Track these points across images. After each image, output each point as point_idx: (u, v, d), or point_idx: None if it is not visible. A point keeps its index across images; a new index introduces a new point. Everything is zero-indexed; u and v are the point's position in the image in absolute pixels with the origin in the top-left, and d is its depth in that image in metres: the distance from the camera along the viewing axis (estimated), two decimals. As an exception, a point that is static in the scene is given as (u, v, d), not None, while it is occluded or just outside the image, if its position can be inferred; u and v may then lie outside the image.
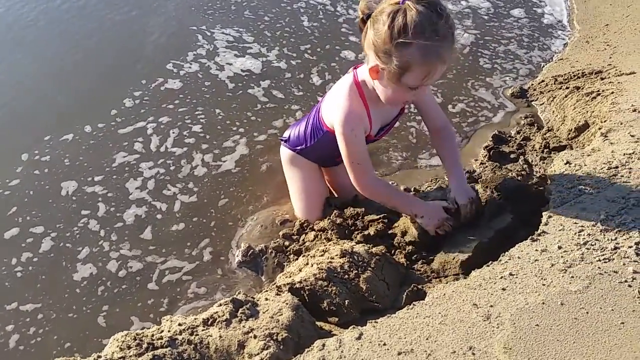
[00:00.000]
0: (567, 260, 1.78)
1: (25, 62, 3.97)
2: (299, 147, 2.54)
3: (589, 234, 1.89)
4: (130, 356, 1.59)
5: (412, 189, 2.76)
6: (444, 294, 1.75)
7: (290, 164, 2.61)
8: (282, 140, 2.63)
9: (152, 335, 1.67)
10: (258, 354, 1.61)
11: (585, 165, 2.35)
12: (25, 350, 2.19)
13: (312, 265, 2.08)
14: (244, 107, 3.53)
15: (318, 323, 1.92)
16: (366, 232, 2.37)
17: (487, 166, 2.94)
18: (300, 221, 2.57)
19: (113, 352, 1.62)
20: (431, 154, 3.15)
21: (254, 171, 3.06)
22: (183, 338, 1.66)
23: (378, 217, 2.46)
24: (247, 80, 3.79)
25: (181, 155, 3.17)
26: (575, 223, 1.97)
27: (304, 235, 2.49)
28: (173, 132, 3.33)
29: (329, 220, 2.45)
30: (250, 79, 3.81)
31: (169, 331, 1.69)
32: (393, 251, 2.33)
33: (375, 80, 2.11)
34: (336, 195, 2.74)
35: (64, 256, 2.59)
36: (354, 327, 1.69)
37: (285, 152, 2.62)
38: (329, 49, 4.12)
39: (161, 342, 1.63)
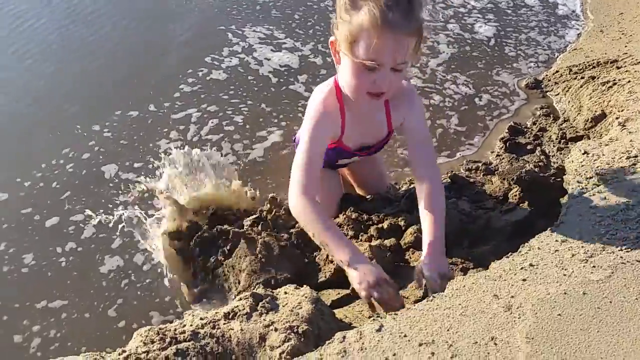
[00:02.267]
0: (587, 250, 1.77)
1: (92, 53, 4.28)
2: None
3: (609, 224, 1.88)
4: (154, 350, 1.61)
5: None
6: (464, 286, 1.75)
7: None
8: (293, 140, 2.63)
9: (175, 330, 1.68)
10: (279, 346, 1.61)
11: (603, 155, 2.32)
12: (51, 349, 2.22)
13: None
14: (290, 101, 3.67)
15: (337, 314, 1.93)
16: (380, 226, 2.37)
17: (503, 158, 2.93)
18: None
19: (137, 347, 1.64)
20: (450, 154, 3.16)
21: (279, 162, 3.15)
22: (205, 332, 1.67)
23: (394, 210, 2.46)
24: (287, 75, 3.91)
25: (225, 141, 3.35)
26: (595, 213, 1.95)
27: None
28: (214, 122, 3.49)
29: (345, 216, 2.45)
30: (289, 73, 3.92)
31: (191, 325, 1.70)
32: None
33: (339, 69, 1.95)
34: (359, 192, 2.73)
35: (99, 247, 2.67)
36: (374, 319, 1.69)
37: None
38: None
39: (184, 337, 1.64)
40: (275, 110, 3.54)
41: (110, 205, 2.87)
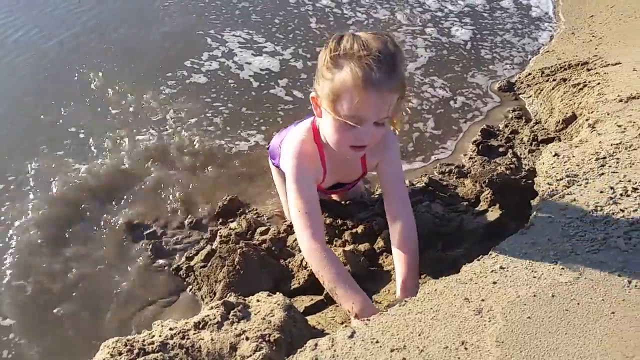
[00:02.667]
0: (557, 252, 1.79)
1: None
2: (274, 161, 2.51)
3: (578, 225, 1.89)
4: (122, 362, 1.58)
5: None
6: (435, 289, 1.75)
7: (275, 174, 2.62)
8: (267, 148, 2.62)
9: (144, 341, 1.65)
10: (250, 355, 1.59)
11: (573, 156, 2.35)
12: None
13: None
14: (271, 105, 3.69)
15: (310, 321, 1.92)
16: (354, 231, 2.37)
17: (476, 160, 2.95)
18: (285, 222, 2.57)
19: (104, 359, 1.61)
20: (425, 158, 3.18)
21: (257, 165, 3.16)
22: (174, 342, 1.64)
23: (368, 215, 2.46)
24: (267, 78, 3.91)
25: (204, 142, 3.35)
26: (564, 215, 1.97)
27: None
28: (192, 122, 3.51)
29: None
30: (270, 77, 3.92)
31: (160, 336, 1.67)
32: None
33: (319, 119, 1.93)
34: (335, 198, 2.73)
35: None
36: (346, 326, 1.69)
37: (270, 161, 2.61)
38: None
39: (152, 347, 1.61)
40: (256, 114, 3.53)
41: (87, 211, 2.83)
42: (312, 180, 2.00)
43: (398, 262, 1.96)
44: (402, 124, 2.05)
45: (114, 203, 2.88)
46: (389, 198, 2.08)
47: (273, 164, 2.52)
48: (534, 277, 1.71)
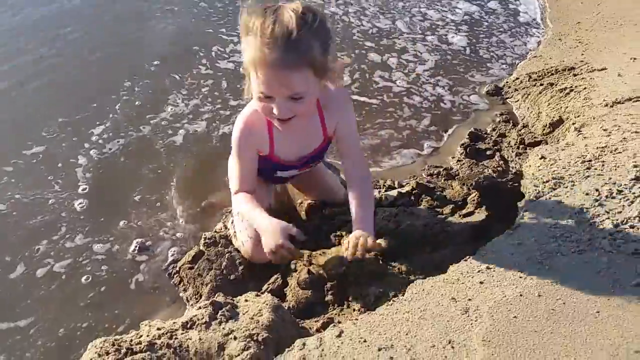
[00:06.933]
0: (543, 253, 1.81)
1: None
2: None
3: (564, 227, 1.92)
4: (109, 362, 1.57)
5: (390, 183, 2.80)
6: (423, 289, 1.76)
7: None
8: None
9: (131, 341, 1.65)
10: (238, 355, 1.59)
11: (560, 159, 2.38)
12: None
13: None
14: None
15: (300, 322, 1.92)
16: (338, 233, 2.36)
17: (463, 163, 2.97)
18: None
19: (91, 359, 1.60)
20: (411, 156, 3.20)
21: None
22: (162, 342, 1.63)
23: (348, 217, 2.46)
24: None
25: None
26: (550, 216, 2.00)
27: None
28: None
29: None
30: None
31: (147, 336, 1.67)
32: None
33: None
34: (310, 201, 2.73)
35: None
36: (334, 325, 1.69)
37: None
38: (358, 54, 4.30)
39: (140, 347, 1.61)
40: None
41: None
42: (251, 154, 2.09)
43: (356, 207, 2.05)
44: (340, 81, 2.13)
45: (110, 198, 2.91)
46: (349, 162, 2.16)
47: None
48: (520, 277, 1.73)
